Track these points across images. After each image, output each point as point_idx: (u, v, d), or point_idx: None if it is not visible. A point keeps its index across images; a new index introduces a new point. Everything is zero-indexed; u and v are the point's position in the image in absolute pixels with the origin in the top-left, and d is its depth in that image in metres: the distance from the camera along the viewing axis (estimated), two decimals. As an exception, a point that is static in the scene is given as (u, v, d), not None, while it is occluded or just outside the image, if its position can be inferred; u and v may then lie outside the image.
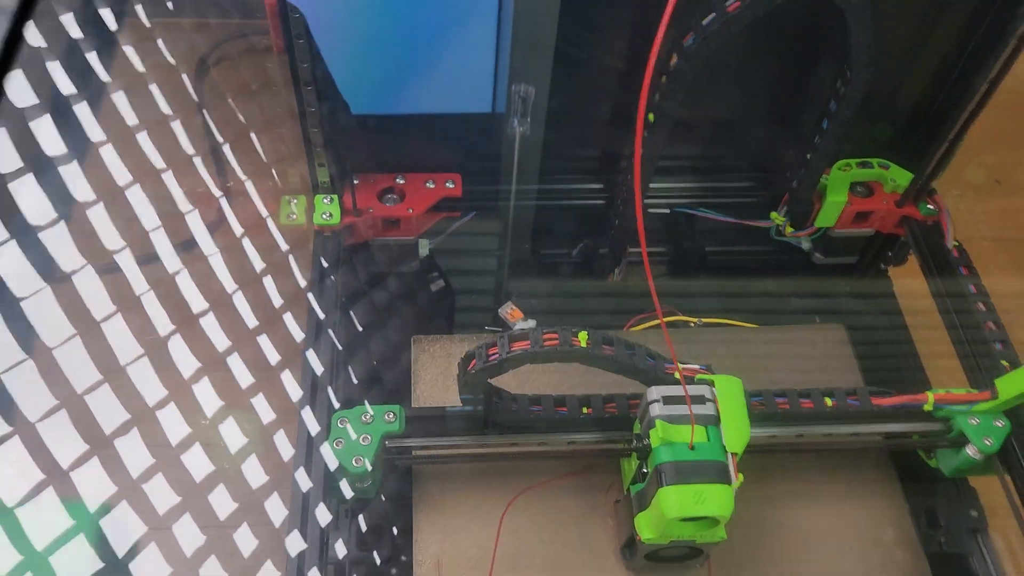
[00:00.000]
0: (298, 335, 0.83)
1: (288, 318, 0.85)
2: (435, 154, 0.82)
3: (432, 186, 0.79)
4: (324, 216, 0.75)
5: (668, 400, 0.59)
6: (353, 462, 0.62)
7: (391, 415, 0.64)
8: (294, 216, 0.76)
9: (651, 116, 0.69)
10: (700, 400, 0.59)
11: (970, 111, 0.73)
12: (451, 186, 0.79)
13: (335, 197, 0.76)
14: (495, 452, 0.68)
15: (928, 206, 0.81)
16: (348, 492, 0.66)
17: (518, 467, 0.71)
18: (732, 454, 0.57)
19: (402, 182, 0.79)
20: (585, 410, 0.66)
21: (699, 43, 0.63)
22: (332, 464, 0.64)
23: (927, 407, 0.67)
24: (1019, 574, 0.71)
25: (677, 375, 0.59)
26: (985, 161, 1.08)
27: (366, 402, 0.66)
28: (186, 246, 0.95)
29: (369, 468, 0.62)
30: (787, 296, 0.87)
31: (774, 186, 0.83)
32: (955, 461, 0.69)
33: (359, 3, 0.73)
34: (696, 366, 0.62)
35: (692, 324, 0.82)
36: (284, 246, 0.83)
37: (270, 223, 0.86)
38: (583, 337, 0.58)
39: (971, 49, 0.74)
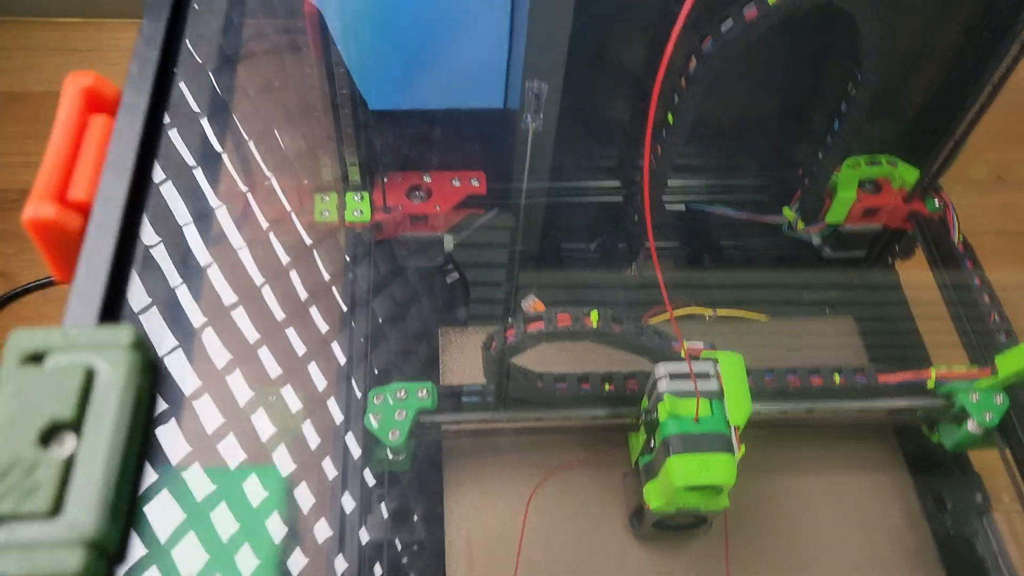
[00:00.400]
0: (325, 328, 0.86)
1: (314, 312, 0.88)
2: (452, 150, 0.85)
3: (458, 184, 0.82)
4: (355, 213, 0.78)
5: (674, 376, 0.63)
6: (390, 435, 0.66)
7: (424, 391, 0.68)
8: (327, 213, 0.79)
9: (670, 117, 0.72)
10: (704, 376, 0.63)
11: (975, 111, 0.77)
12: (476, 184, 0.82)
13: (365, 195, 0.79)
14: (522, 427, 0.72)
15: (934, 202, 0.84)
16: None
17: (543, 448, 0.75)
18: (735, 427, 0.61)
19: (428, 180, 0.82)
20: (607, 387, 0.70)
21: (717, 48, 0.66)
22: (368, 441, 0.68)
23: (930, 383, 0.71)
24: (1022, 554, 0.74)
25: (683, 352, 0.63)
26: (988, 158, 1.12)
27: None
28: (215, 240, 0.99)
29: (404, 440, 0.65)
30: (798, 289, 0.90)
31: (786, 183, 0.86)
32: (956, 436, 0.73)
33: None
34: (700, 344, 0.66)
35: (707, 316, 0.85)
36: (308, 242, 0.87)
37: (294, 218, 0.89)
38: (594, 317, 0.63)
39: (976, 49, 0.77)
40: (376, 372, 0.74)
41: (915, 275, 0.90)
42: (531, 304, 0.85)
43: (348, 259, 0.79)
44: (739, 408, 0.62)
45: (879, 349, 0.85)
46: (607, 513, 0.72)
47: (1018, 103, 1.07)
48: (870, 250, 0.90)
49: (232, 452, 0.86)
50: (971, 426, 0.71)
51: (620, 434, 0.74)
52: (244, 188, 0.97)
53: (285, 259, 0.90)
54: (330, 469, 0.69)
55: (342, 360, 0.73)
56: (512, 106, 0.83)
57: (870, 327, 0.85)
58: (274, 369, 0.92)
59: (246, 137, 1.09)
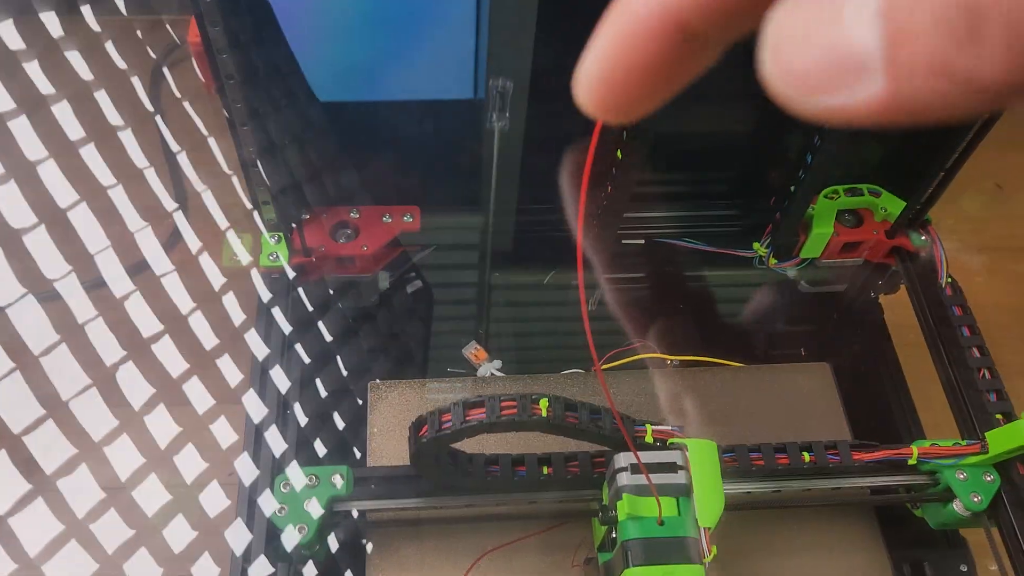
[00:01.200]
0: (237, 379, 0.79)
1: (225, 362, 0.81)
2: (386, 181, 0.77)
3: (389, 220, 0.73)
4: (271, 257, 0.70)
5: (636, 470, 0.54)
6: (297, 531, 0.58)
7: (338, 477, 0.60)
8: (236, 258, 0.70)
9: (619, 154, 0.64)
10: (671, 468, 0.55)
11: (970, 137, 0.68)
12: (409, 220, 0.74)
13: (282, 235, 0.71)
14: (451, 516, 0.64)
15: (921, 237, 0.75)
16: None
17: (479, 528, 0.67)
18: (704, 529, 0.53)
19: (356, 216, 0.73)
20: (546, 470, 0.61)
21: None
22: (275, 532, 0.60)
23: (911, 460, 0.63)
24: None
25: (649, 436, 0.56)
26: (987, 170, 1.03)
27: (296, 466, 0.62)
28: (136, 269, 0.91)
29: (313, 536, 0.58)
30: (772, 327, 0.82)
31: (757, 213, 0.77)
32: (941, 516, 0.65)
33: None
34: (668, 427, 0.57)
35: (668, 362, 0.77)
36: (223, 283, 0.79)
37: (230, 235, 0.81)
38: (543, 405, 0.54)
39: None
40: (284, 450, 0.66)
41: (901, 312, 0.81)
42: (473, 352, 0.77)
43: (260, 309, 0.70)
44: (710, 506, 0.53)
45: (858, 399, 0.77)
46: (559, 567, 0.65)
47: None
48: (851, 284, 0.82)
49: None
50: (957, 507, 0.63)
51: (567, 519, 0.67)
52: (140, 224, 0.89)
53: (185, 308, 0.82)
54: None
55: (235, 438, 0.65)
56: (482, 96, 0.75)
57: (849, 373, 0.76)
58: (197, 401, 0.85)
59: (176, 149, 1.00)
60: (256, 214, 0.71)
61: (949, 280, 0.73)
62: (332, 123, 0.74)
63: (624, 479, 0.54)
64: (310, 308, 0.73)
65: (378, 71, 0.79)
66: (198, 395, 0.85)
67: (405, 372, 0.75)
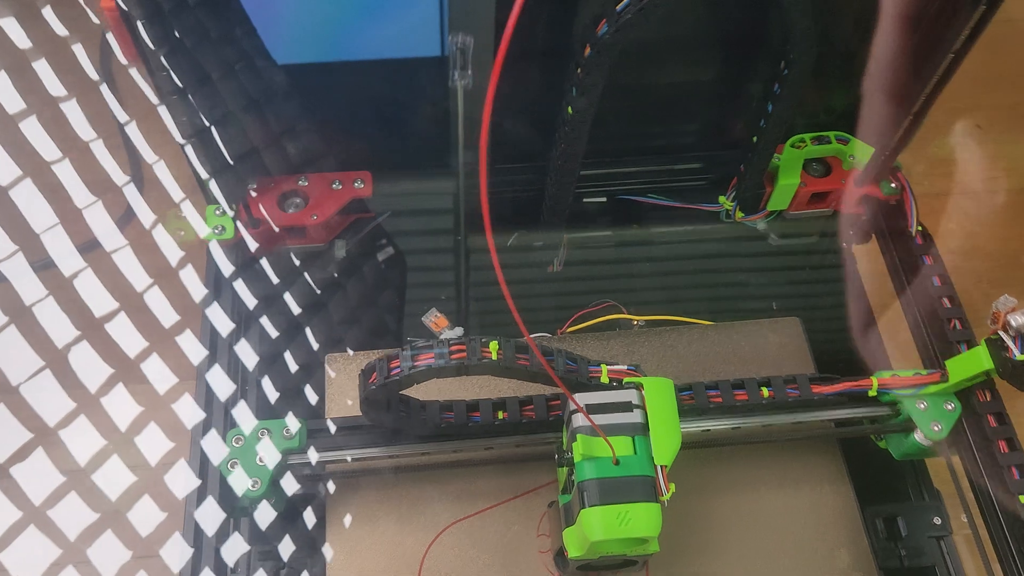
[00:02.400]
0: (198, 356, 0.76)
1: (185, 338, 0.78)
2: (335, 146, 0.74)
3: (339, 187, 0.71)
4: (216, 230, 0.67)
5: (591, 409, 0.53)
6: (250, 485, 0.57)
7: (288, 430, 0.58)
8: (183, 233, 0.68)
9: (569, 109, 0.61)
10: (626, 407, 0.54)
11: (936, 79, 0.65)
12: (360, 185, 0.71)
13: (227, 208, 0.68)
14: (406, 463, 0.62)
15: (891, 184, 0.73)
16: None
17: (442, 498, 0.65)
18: (661, 467, 0.52)
19: (305, 184, 0.70)
20: (501, 415, 0.60)
21: (613, 33, 0.54)
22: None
23: (871, 391, 0.62)
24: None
25: (604, 377, 0.55)
26: (961, 107, 1.00)
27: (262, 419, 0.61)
28: (86, 247, 0.88)
29: (266, 490, 0.56)
30: (739, 283, 0.80)
31: (723, 167, 0.75)
32: (904, 446, 0.65)
33: None
34: (624, 367, 0.56)
35: (634, 323, 0.75)
36: (177, 255, 0.76)
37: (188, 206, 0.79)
38: (494, 347, 0.52)
39: (937, 8, 0.65)
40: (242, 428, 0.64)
41: (872, 259, 0.79)
42: (433, 320, 0.74)
43: (209, 283, 0.68)
44: (666, 444, 0.53)
45: (830, 348, 0.75)
46: (521, 539, 0.64)
47: (996, 41, 0.95)
48: (821, 235, 0.80)
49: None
50: (919, 437, 0.62)
51: (537, 462, 0.65)
52: (89, 199, 0.86)
53: (140, 285, 0.79)
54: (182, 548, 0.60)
55: (197, 416, 0.63)
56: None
57: (819, 327, 0.75)
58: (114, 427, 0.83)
59: (124, 119, 0.97)
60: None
61: (919, 228, 0.71)
62: (290, 87, 0.71)
63: (579, 420, 0.53)
64: (260, 284, 0.71)
65: (340, 29, 0.75)
66: (157, 373, 0.83)
67: (363, 344, 0.73)
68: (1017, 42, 1.03)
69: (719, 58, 0.72)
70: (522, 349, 0.53)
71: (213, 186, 0.68)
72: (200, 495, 0.62)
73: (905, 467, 0.72)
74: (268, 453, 0.57)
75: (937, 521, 0.69)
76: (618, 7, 0.53)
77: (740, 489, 0.66)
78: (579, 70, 0.57)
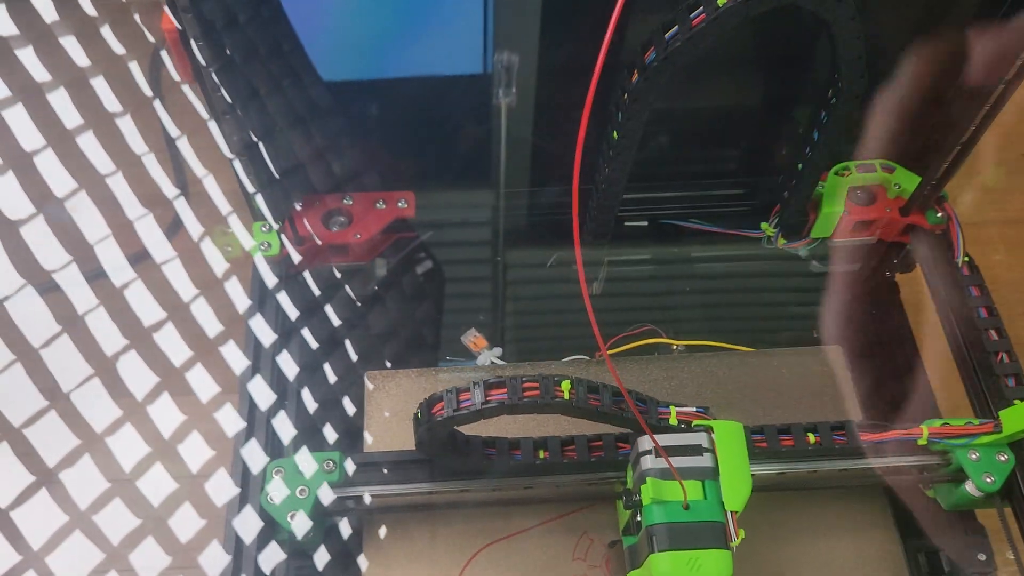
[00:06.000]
0: (240, 367, 0.77)
1: (229, 349, 0.79)
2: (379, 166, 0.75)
3: (383, 207, 0.72)
4: (262, 247, 0.69)
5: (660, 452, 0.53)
6: (288, 518, 0.58)
7: (330, 463, 0.59)
8: (229, 249, 0.69)
9: (615, 135, 0.61)
10: (696, 451, 0.54)
11: (987, 108, 0.64)
12: (403, 206, 0.72)
13: (273, 225, 0.69)
14: (446, 500, 0.63)
15: (937, 214, 0.72)
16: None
17: (479, 519, 0.66)
18: (731, 512, 0.52)
19: (349, 203, 0.71)
20: (542, 454, 0.60)
21: (661, 60, 0.54)
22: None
23: (921, 440, 0.60)
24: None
25: (673, 419, 0.55)
26: (1010, 139, 0.99)
27: (305, 448, 0.61)
28: (136, 258, 0.90)
29: (306, 523, 0.57)
30: (780, 310, 0.79)
31: (766, 194, 0.75)
32: (953, 497, 0.63)
33: None
34: (693, 409, 0.56)
35: (673, 348, 0.75)
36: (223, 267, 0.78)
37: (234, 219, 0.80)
38: (566, 387, 0.52)
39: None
40: (282, 439, 0.65)
41: (917, 290, 0.78)
42: (472, 340, 0.75)
43: (252, 301, 0.69)
44: (737, 490, 0.52)
45: (873, 385, 0.74)
46: (558, 561, 0.64)
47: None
48: (864, 262, 0.79)
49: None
50: (970, 488, 0.61)
51: (563, 505, 0.65)
52: (141, 212, 0.88)
53: (187, 296, 0.81)
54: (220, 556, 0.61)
55: (239, 425, 0.64)
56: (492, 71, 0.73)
57: (862, 356, 0.74)
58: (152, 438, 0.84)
59: (175, 134, 0.99)
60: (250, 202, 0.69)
61: (966, 259, 0.70)
62: (336, 103, 0.72)
63: (648, 462, 0.52)
64: (302, 302, 0.72)
65: (384, 46, 0.77)
66: (201, 383, 0.85)
67: (401, 361, 0.73)
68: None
69: (764, 83, 0.72)
70: (593, 390, 0.53)
71: (260, 201, 0.69)
72: (240, 503, 0.63)
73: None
74: (308, 487, 0.58)
75: (981, 557, 0.68)
76: (667, 35, 0.54)
77: (785, 535, 0.65)
78: (625, 96, 0.58)
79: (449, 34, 0.75)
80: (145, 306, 0.88)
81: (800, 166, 0.67)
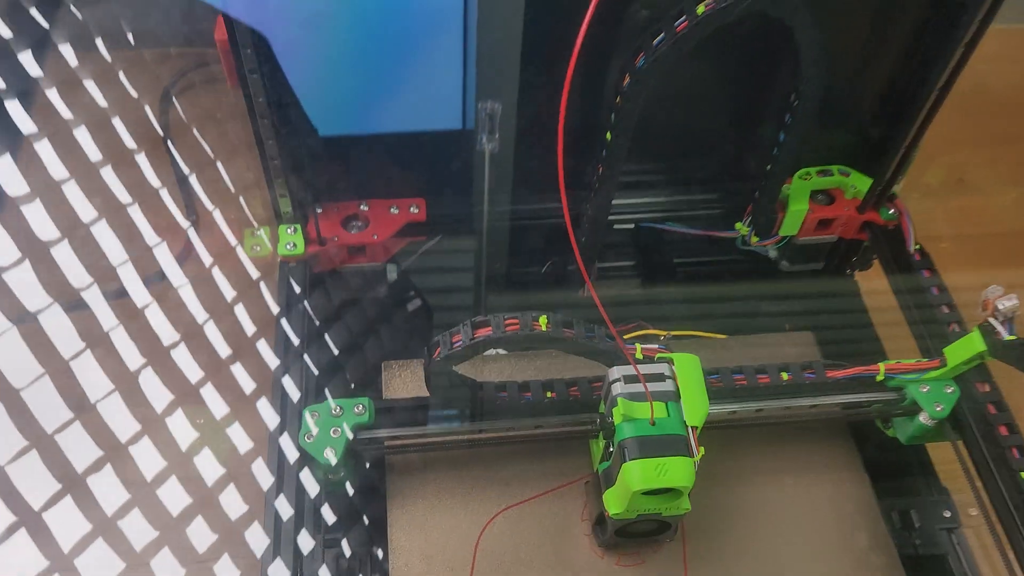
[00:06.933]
0: (251, 387, 0.83)
1: (239, 368, 0.85)
2: (404, 175, 0.82)
3: (396, 212, 0.79)
4: (288, 247, 0.75)
5: (629, 379, 0.61)
6: (324, 454, 0.63)
7: (360, 407, 0.65)
8: (258, 248, 0.76)
9: (608, 135, 0.70)
10: (659, 378, 0.62)
11: (924, 115, 0.75)
12: (415, 211, 0.79)
13: (299, 227, 0.76)
14: (463, 439, 0.68)
15: (889, 211, 0.81)
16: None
17: (496, 482, 0.71)
18: (692, 428, 0.60)
19: (366, 209, 0.79)
20: (549, 394, 0.68)
21: (650, 63, 0.63)
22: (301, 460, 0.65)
23: (879, 376, 0.69)
24: (992, 570, 0.72)
25: (639, 354, 0.63)
26: (947, 162, 1.10)
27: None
28: (155, 279, 0.96)
29: (340, 458, 0.63)
30: (756, 304, 0.88)
31: (739, 197, 0.83)
32: (910, 428, 0.72)
33: (323, 24, 0.73)
34: (655, 346, 0.64)
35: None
36: (255, 275, 0.84)
37: (239, 251, 0.86)
38: (543, 321, 0.61)
39: (921, 56, 0.75)
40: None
41: (874, 284, 0.87)
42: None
43: (282, 294, 0.75)
44: (696, 409, 0.60)
45: (836, 358, 0.82)
46: (568, 523, 0.69)
47: (975, 106, 1.06)
48: (828, 262, 0.88)
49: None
50: (923, 418, 0.69)
51: (577, 441, 0.71)
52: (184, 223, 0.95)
53: (200, 317, 0.87)
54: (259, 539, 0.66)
55: (286, 401, 0.70)
56: (471, 127, 0.80)
57: (830, 338, 0.82)
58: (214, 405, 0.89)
59: (186, 171, 1.06)
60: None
61: (917, 247, 0.79)
62: (333, 156, 0.79)
63: (618, 388, 0.60)
64: (327, 298, 0.78)
65: (372, 105, 0.84)
66: (215, 399, 0.89)
67: (415, 353, 0.80)
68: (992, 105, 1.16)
69: (735, 97, 0.81)
70: (568, 324, 0.61)
71: (277, 208, 0.76)
72: (276, 489, 0.68)
73: (915, 467, 0.78)
74: (342, 428, 0.64)
75: (947, 514, 0.75)
76: (654, 41, 0.63)
77: (762, 475, 0.73)
78: (618, 99, 0.67)
79: (430, 93, 0.82)
80: (162, 325, 0.93)
81: (769, 167, 0.77)
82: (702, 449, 0.59)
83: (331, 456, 0.62)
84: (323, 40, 0.74)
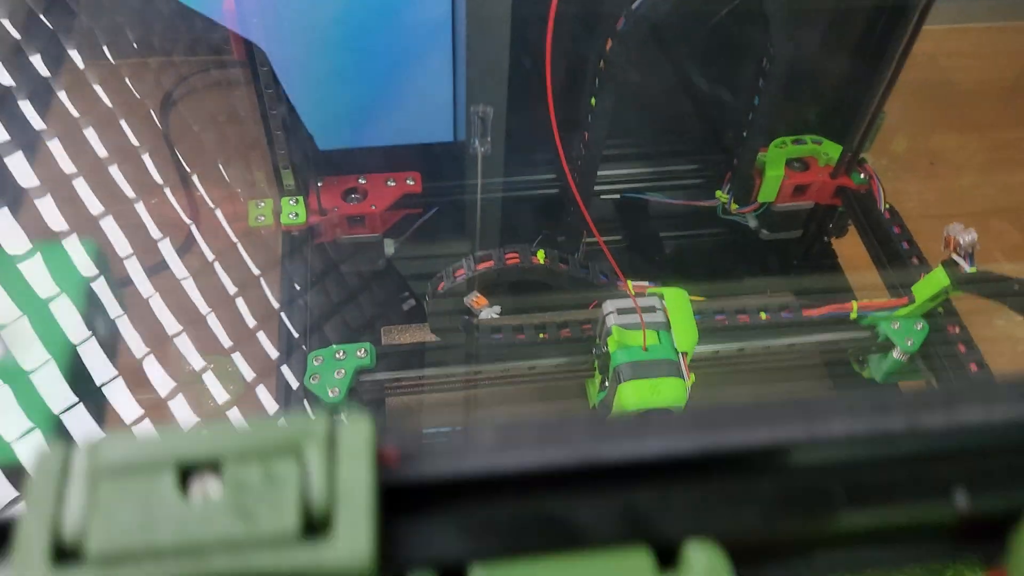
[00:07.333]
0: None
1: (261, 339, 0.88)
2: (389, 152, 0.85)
3: (393, 184, 0.83)
4: (291, 216, 0.79)
5: (622, 311, 0.66)
6: (329, 393, 0.66)
7: (363, 351, 0.68)
8: (262, 218, 0.79)
9: (592, 101, 0.74)
10: (651, 309, 0.66)
11: (884, 85, 0.79)
12: (411, 183, 0.83)
13: (300, 199, 0.80)
14: (461, 380, 0.72)
15: (860, 175, 0.86)
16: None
17: (494, 399, 0.75)
18: (683, 353, 0.64)
19: (364, 182, 0.83)
20: (541, 335, 0.71)
21: (631, 26, 0.68)
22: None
23: (852, 314, 0.74)
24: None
25: (630, 288, 0.68)
26: (922, 147, 1.16)
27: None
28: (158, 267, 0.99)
29: (343, 398, 0.66)
30: (738, 271, 0.92)
31: (719, 166, 0.88)
32: (884, 365, 0.76)
33: (315, 41, 0.77)
34: (646, 283, 0.69)
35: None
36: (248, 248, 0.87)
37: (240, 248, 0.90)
38: (541, 255, 0.65)
39: (879, 33, 0.80)
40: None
41: (851, 250, 0.91)
42: (474, 299, 0.85)
43: (284, 259, 0.79)
44: (686, 336, 0.64)
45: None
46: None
47: (945, 96, 1.11)
48: (805, 229, 0.92)
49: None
50: (896, 354, 0.73)
51: (572, 382, 0.75)
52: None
53: (203, 308, 0.90)
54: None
55: (288, 340, 0.74)
56: (462, 138, 0.83)
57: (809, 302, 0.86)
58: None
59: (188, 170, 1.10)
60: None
61: (888, 206, 0.83)
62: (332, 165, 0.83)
63: (612, 319, 0.64)
64: (327, 266, 0.82)
65: (367, 119, 0.88)
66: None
67: (413, 319, 0.83)
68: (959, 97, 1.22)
69: (714, 69, 0.86)
70: (563, 260, 0.65)
71: (280, 180, 0.80)
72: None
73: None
74: (345, 368, 0.67)
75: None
76: (633, 6, 0.68)
77: None
78: (602, 63, 0.71)
79: (422, 107, 0.85)
80: (164, 314, 0.96)
81: (746, 133, 0.81)
82: (693, 375, 0.63)
83: (335, 395, 0.65)
84: (314, 56, 0.78)
